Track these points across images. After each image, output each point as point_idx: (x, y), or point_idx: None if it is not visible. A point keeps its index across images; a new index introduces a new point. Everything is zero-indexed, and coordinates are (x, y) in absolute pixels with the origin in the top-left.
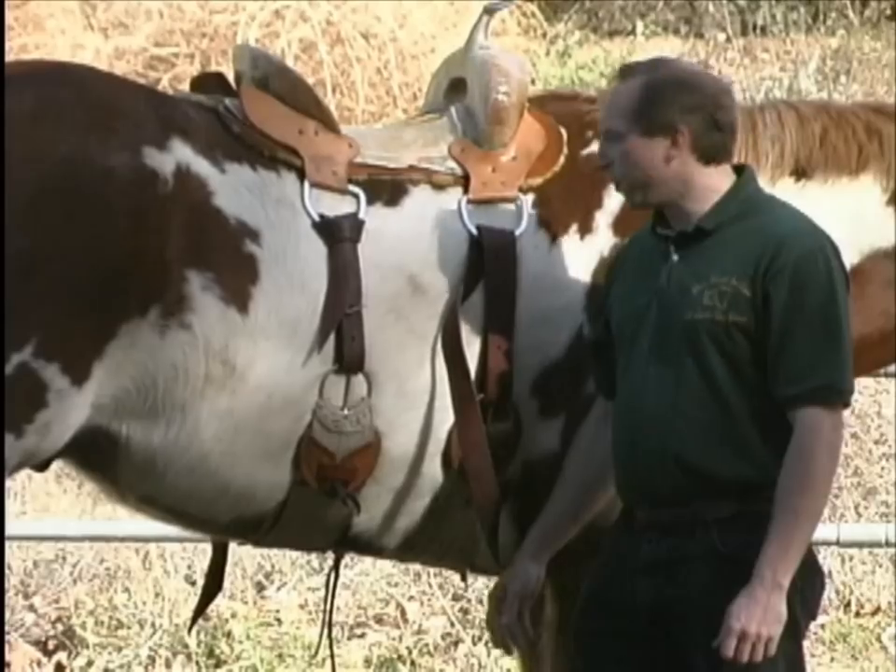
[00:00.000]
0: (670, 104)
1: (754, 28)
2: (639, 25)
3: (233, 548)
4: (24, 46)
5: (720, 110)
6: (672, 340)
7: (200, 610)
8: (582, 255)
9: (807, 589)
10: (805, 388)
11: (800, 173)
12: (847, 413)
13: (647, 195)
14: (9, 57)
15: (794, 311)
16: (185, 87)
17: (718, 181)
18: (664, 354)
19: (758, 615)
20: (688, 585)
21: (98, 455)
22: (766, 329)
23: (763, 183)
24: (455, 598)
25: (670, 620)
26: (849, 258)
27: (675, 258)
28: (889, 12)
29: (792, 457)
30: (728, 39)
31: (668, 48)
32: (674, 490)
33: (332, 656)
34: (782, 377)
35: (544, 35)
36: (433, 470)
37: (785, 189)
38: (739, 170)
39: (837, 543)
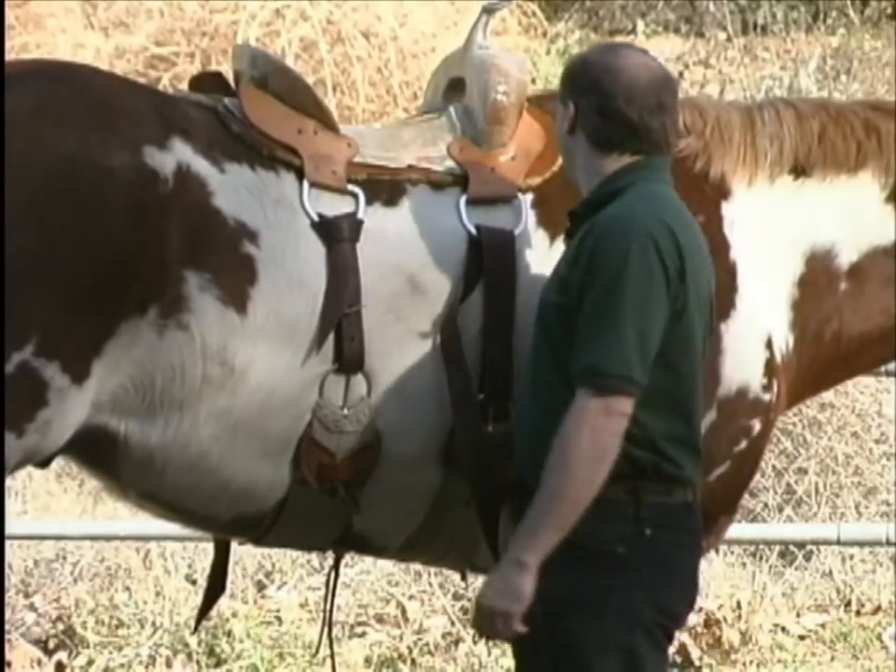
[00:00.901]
0: (574, 81)
1: (755, 27)
2: (640, 24)
3: (234, 547)
4: (25, 45)
5: (608, 98)
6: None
7: (204, 611)
8: None
9: (661, 589)
10: (575, 369)
11: (799, 170)
12: (847, 412)
13: (568, 170)
14: (10, 56)
15: (586, 293)
16: (185, 86)
17: (609, 169)
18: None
19: (494, 590)
20: (546, 575)
21: (98, 453)
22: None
23: (762, 180)
24: (456, 598)
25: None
26: (848, 255)
27: (566, 238)
28: (889, 11)
29: (556, 437)
30: (729, 38)
31: (669, 46)
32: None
33: (332, 655)
34: (572, 358)
35: (545, 33)
36: (433, 470)
37: (784, 187)
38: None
39: (838, 542)
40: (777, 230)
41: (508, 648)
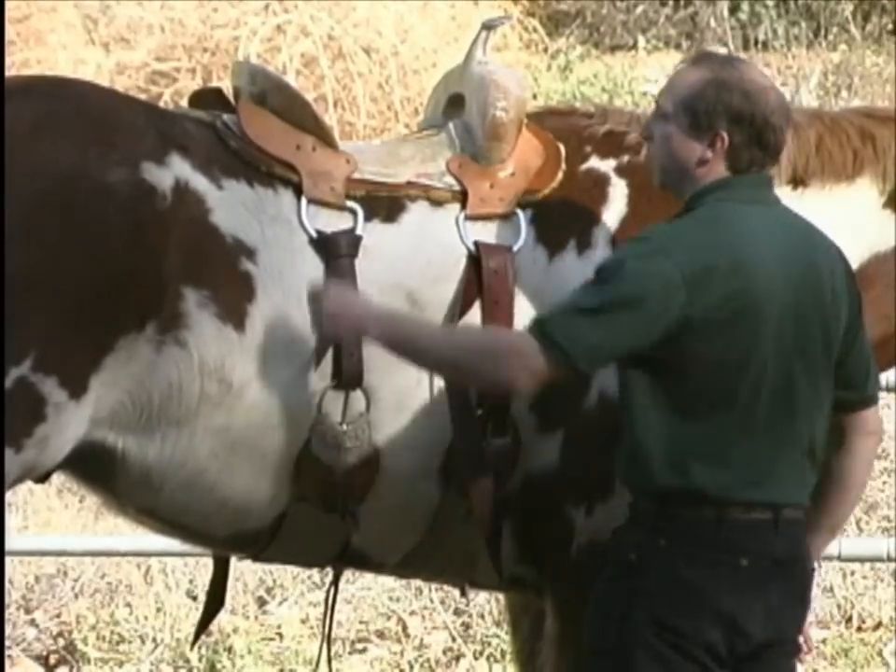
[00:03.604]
0: (721, 108)
1: (756, 43)
2: (641, 40)
3: (234, 563)
4: (26, 61)
5: (768, 128)
6: None
7: (202, 627)
8: (580, 270)
9: (661, 601)
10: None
11: (797, 181)
12: None
13: (671, 183)
14: (11, 72)
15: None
16: (186, 102)
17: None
18: None
19: (344, 303)
20: None
21: (97, 469)
22: None
23: None
24: (457, 613)
25: None
26: (850, 262)
27: None
28: (890, 27)
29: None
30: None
31: (670, 62)
32: None
33: (332, 671)
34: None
35: (546, 49)
36: (432, 486)
37: (784, 198)
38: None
39: (839, 558)
40: None
41: (508, 664)
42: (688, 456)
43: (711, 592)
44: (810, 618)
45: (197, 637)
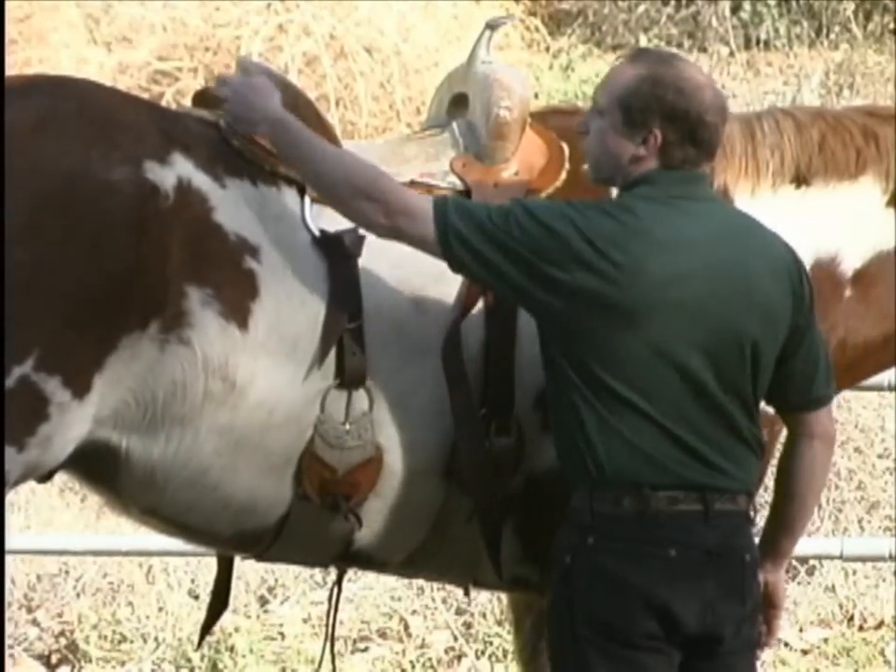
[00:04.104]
0: (654, 105)
1: (757, 42)
2: (643, 39)
3: (237, 562)
4: (28, 60)
5: (702, 126)
6: None
7: (207, 628)
8: None
9: (595, 598)
10: None
11: (801, 179)
12: (850, 427)
13: (604, 179)
14: (13, 71)
15: None
16: (188, 101)
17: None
18: None
19: (245, 101)
20: None
21: (100, 468)
22: None
23: (765, 190)
24: (459, 612)
25: None
26: (852, 262)
27: None
28: (892, 26)
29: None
30: (731, 53)
31: None
32: None
33: (335, 670)
34: None
35: (548, 49)
36: (435, 485)
37: (787, 197)
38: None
39: (841, 557)
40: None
41: (511, 662)
42: (609, 451)
43: (642, 585)
44: (790, 617)
45: (202, 637)
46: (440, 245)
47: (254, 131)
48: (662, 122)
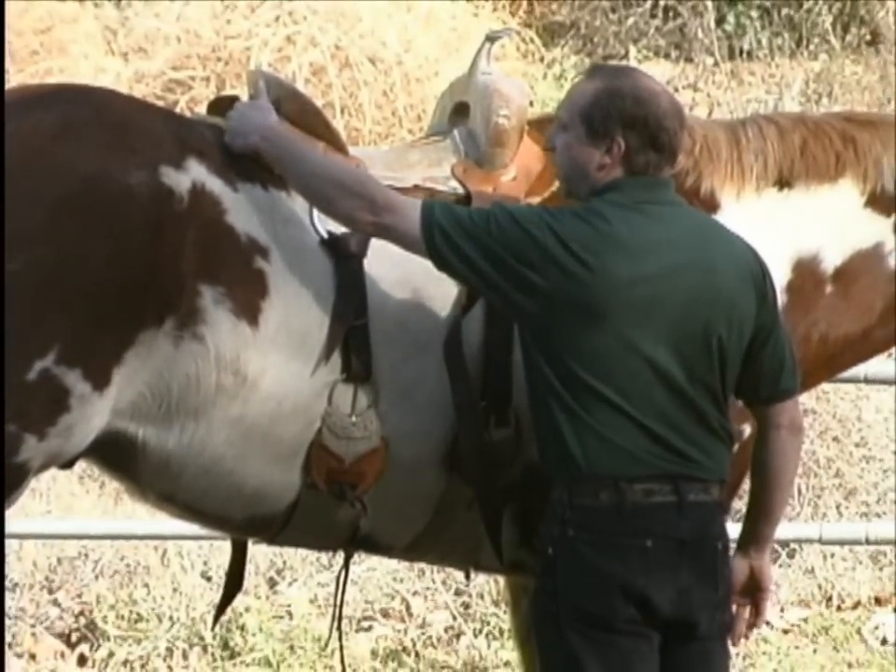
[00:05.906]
0: (615, 115)
1: (741, 53)
2: (632, 50)
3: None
4: (49, 69)
5: (661, 131)
6: None
7: (222, 608)
8: None
9: (577, 589)
10: None
11: (783, 182)
12: (828, 417)
13: (574, 190)
14: (35, 80)
15: None
16: (201, 109)
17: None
18: None
19: (244, 119)
20: None
21: (118, 457)
22: None
23: (750, 193)
24: (458, 593)
25: None
26: (833, 260)
27: None
28: (868, 38)
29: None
30: (716, 63)
31: (659, 71)
32: None
33: (341, 648)
34: None
35: (542, 59)
36: (437, 474)
37: (770, 199)
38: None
39: (819, 541)
40: (765, 239)
41: (507, 641)
42: (586, 446)
43: (621, 574)
44: (774, 598)
45: (217, 617)
46: (424, 242)
47: (247, 140)
48: (623, 130)
